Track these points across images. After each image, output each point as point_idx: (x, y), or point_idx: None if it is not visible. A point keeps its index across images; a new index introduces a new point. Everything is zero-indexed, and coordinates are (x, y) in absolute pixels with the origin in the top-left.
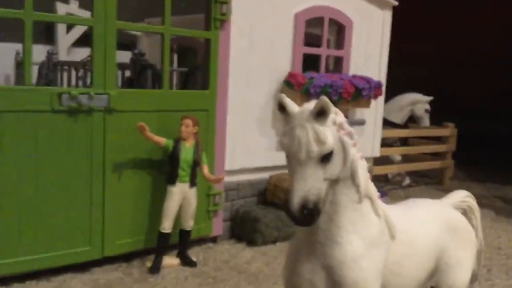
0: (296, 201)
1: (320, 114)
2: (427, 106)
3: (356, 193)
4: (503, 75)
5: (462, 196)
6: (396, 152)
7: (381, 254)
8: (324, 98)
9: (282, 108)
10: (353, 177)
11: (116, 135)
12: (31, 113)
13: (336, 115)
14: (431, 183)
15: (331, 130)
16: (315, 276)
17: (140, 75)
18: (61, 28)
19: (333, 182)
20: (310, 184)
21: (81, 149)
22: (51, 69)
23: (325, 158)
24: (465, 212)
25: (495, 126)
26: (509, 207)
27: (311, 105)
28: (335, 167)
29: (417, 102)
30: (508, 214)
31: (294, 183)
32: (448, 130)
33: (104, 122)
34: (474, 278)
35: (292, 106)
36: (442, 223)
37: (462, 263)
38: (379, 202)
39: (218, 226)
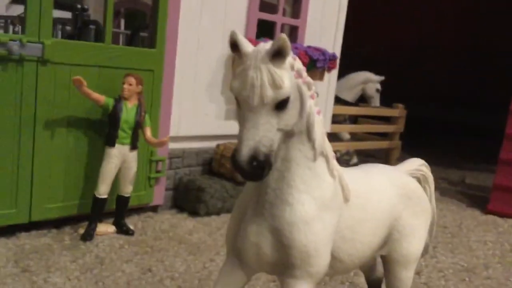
0: (245, 151)
1: (278, 54)
2: (378, 86)
3: (310, 150)
4: (456, 63)
5: (417, 165)
6: (345, 130)
7: (333, 217)
8: (284, 36)
9: (234, 46)
10: (308, 132)
11: (50, 89)
12: None
13: (294, 60)
14: (378, 162)
15: (288, 74)
16: (262, 239)
17: (82, 31)
18: None
19: (287, 136)
20: (261, 134)
21: (9, 101)
22: None
23: (280, 105)
24: (419, 181)
25: (443, 112)
26: (453, 188)
27: (267, 44)
28: (290, 117)
29: (369, 81)
30: (452, 195)
31: (243, 132)
32: (397, 111)
33: (37, 74)
34: (425, 249)
35: (246, 44)
36: (398, 189)
37: (416, 232)
38: (334, 162)
39: (159, 194)
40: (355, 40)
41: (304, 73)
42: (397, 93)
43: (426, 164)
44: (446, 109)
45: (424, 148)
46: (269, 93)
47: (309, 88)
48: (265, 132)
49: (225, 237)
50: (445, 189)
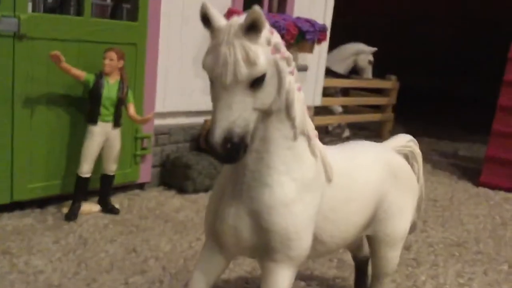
0: (218, 133)
1: (252, 28)
2: (371, 57)
3: (290, 129)
4: (448, 33)
5: (404, 141)
6: (337, 103)
7: (315, 198)
8: (257, 8)
9: (205, 20)
10: (288, 110)
11: (28, 65)
12: None
13: (271, 34)
14: (370, 136)
15: (264, 50)
16: (240, 222)
17: (63, 2)
18: None
19: (265, 115)
20: (236, 114)
21: None
22: None
23: (256, 83)
24: (407, 158)
25: (436, 82)
26: (445, 161)
27: (241, 18)
28: (267, 95)
29: (361, 52)
30: (444, 168)
31: (217, 112)
32: (390, 83)
33: (14, 50)
34: (413, 227)
35: (218, 18)
36: (384, 167)
37: (403, 211)
38: (316, 141)
39: (146, 172)
40: (338, 9)
41: (283, 48)
42: (388, 64)
43: (414, 140)
44: (439, 79)
45: (417, 119)
46: (243, 70)
47: (289, 64)
48: (239, 112)
49: (204, 218)
50: (437, 162)
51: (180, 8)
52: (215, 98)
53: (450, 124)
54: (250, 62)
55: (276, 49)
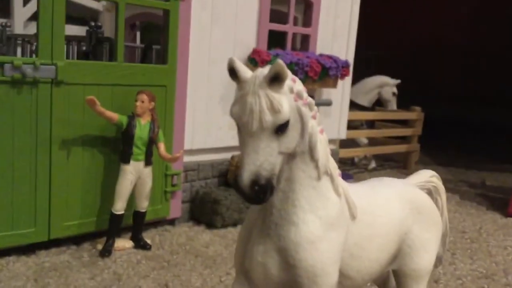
0: (246, 176)
1: (275, 79)
2: (395, 89)
3: (314, 169)
4: (472, 62)
5: (427, 176)
6: (362, 135)
7: (340, 235)
8: (280, 62)
9: (232, 73)
10: (311, 152)
11: (65, 109)
12: None
13: (294, 82)
14: (396, 166)
15: (287, 98)
16: (268, 259)
17: (96, 48)
18: (17, 0)
19: (290, 157)
20: (262, 158)
21: (25, 123)
22: (5, 42)
23: (280, 129)
24: (430, 193)
25: (462, 112)
26: (474, 191)
27: (265, 70)
28: (291, 140)
29: (385, 85)
30: (473, 198)
31: (244, 157)
32: (415, 114)
33: (51, 95)
34: (438, 261)
35: (244, 71)
36: (407, 203)
37: (427, 246)
38: (340, 180)
39: (176, 208)
40: (360, 43)
41: (305, 94)
42: (411, 94)
43: (437, 175)
44: (463, 108)
45: (443, 150)
46: (268, 118)
47: (311, 109)
48: (266, 156)
49: (233, 255)
50: (465, 192)
51: (207, 50)
52: (242, 144)
53: (476, 153)
54: (274, 110)
55: (298, 96)
